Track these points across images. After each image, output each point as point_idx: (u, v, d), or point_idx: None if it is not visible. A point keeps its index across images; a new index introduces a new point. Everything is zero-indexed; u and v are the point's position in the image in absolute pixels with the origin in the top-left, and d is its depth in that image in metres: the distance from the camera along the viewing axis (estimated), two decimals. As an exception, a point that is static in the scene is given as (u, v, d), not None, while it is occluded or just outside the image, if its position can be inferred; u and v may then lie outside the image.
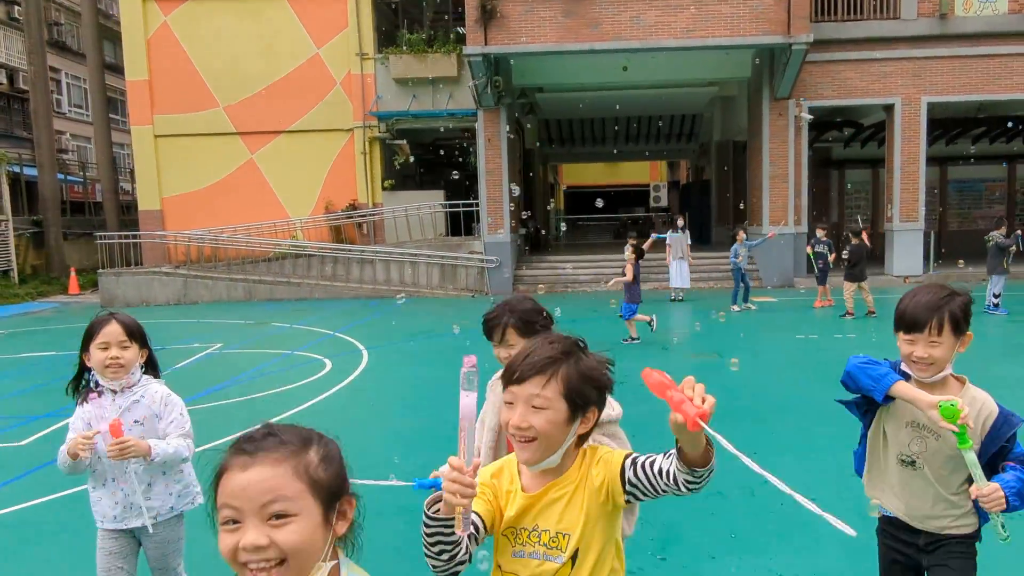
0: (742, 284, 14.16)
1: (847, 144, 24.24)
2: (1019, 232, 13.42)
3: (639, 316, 10.90)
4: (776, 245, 18.51)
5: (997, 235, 12.64)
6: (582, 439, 1.80)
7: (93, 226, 26.69)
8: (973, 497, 2.24)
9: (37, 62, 23.36)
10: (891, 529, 2.59)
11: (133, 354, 2.98)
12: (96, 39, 25.25)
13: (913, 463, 2.46)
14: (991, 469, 2.33)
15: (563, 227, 34.29)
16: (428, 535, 1.63)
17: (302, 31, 20.56)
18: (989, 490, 2.19)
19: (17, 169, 24.07)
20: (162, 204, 20.83)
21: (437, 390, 8.37)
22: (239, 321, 14.98)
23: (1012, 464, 2.31)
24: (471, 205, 19.79)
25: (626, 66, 19.14)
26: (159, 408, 3.01)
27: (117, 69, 32.92)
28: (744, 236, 14.65)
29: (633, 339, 10.86)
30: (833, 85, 18.94)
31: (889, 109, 19.13)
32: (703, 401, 1.47)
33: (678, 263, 15.46)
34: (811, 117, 18.85)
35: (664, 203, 42.60)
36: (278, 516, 1.23)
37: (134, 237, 20.59)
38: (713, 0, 17.16)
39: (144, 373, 3.08)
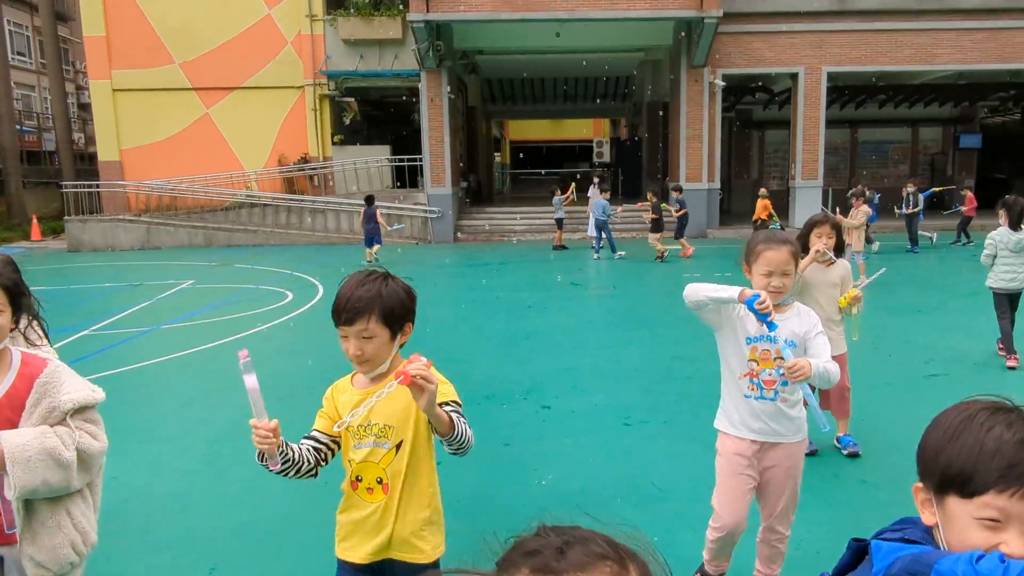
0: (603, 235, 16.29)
1: (766, 107, 26.41)
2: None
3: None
4: (692, 200, 20.65)
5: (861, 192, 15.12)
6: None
7: (49, 175, 27.48)
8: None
9: (-7, 15, 23.88)
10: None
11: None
12: (48, -8, 25.75)
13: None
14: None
15: (506, 183, 35.90)
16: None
17: (254, -8, 21.67)
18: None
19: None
20: (121, 155, 21.99)
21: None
22: (204, 263, 16.57)
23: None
24: (415, 159, 21.42)
25: (559, 32, 20.76)
26: None
27: (60, 18, 33.14)
28: (605, 194, 16.68)
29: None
30: (744, 55, 20.94)
31: (794, 77, 21.25)
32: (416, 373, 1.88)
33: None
34: (724, 84, 20.86)
35: (607, 158, 44.43)
36: None
37: (97, 186, 21.74)
38: (635, -25, 18.91)
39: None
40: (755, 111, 27.11)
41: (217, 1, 21.60)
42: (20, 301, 2.55)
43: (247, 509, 4.40)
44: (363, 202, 15.81)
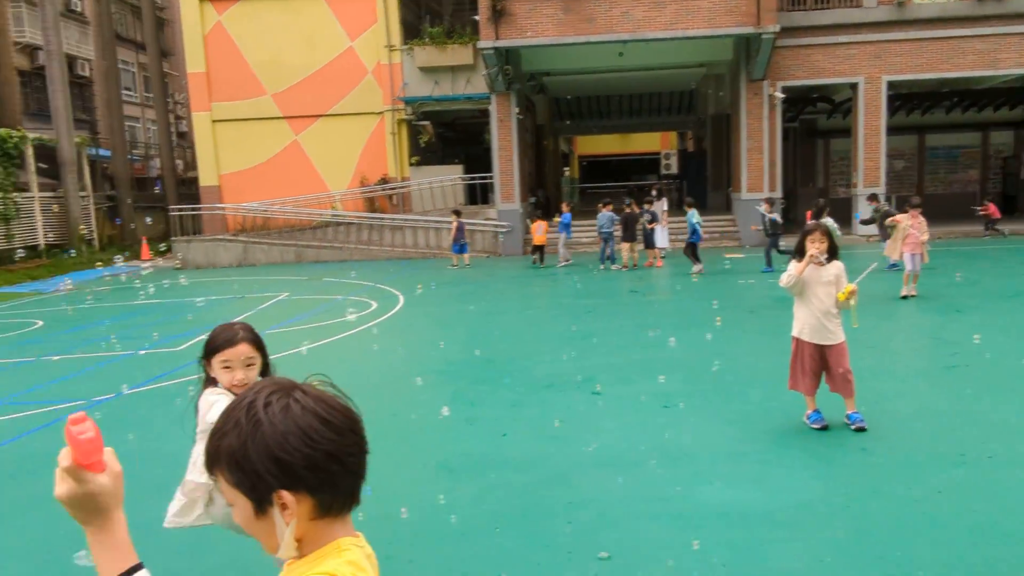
0: (607, 247, 17.48)
1: (830, 116, 26.68)
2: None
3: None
4: (754, 210, 21.28)
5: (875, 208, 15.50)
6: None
7: (154, 200, 30.09)
8: None
9: (109, 58, 26.59)
10: None
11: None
12: (154, 34, 28.37)
13: None
14: None
15: (575, 196, 36.84)
16: None
17: (337, 26, 23.54)
18: None
19: (93, 151, 27.47)
20: (220, 180, 24.16)
21: (456, 318, 11.58)
22: (296, 277, 18.24)
23: None
24: (487, 177, 22.74)
25: (622, 52, 21.74)
26: None
27: (162, 54, 36.03)
28: (608, 208, 17.49)
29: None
30: (804, 67, 21.46)
31: (854, 87, 21.63)
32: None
33: (659, 227, 18.27)
34: (783, 96, 21.42)
35: (675, 170, 44.92)
36: None
37: (199, 209, 23.96)
38: (692, -4, 19.76)
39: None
40: (819, 120, 27.37)
41: (304, 35, 23.54)
42: (265, 354, 3.08)
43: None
44: (450, 216, 18.82)
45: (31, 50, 30.44)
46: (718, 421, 6.14)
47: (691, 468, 5.20)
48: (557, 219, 19.45)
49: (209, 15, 23.77)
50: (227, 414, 1.19)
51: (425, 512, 4.66)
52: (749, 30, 19.75)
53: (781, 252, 15.78)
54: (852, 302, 5.53)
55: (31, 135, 23.85)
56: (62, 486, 1.12)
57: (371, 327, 11.22)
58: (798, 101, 24.60)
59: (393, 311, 12.57)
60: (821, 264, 5.55)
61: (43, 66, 25.81)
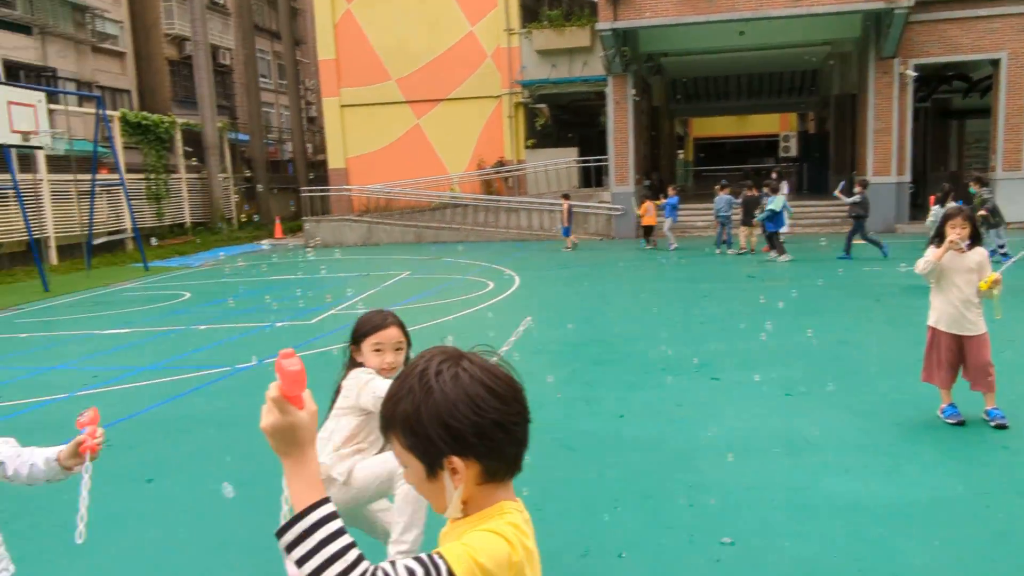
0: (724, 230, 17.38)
1: (966, 95, 25.01)
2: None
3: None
4: (879, 193, 20.32)
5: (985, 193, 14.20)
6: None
7: (286, 181, 31.87)
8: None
9: (248, 47, 28.31)
10: None
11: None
12: (288, 23, 29.90)
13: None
14: None
15: (688, 179, 36.19)
16: None
17: (458, 11, 24.12)
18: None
19: (233, 136, 29.42)
20: (347, 163, 25.38)
21: (570, 300, 11.83)
22: (417, 257, 19.01)
23: None
24: (601, 160, 22.77)
25: (743, 31, 21.18)
26: None
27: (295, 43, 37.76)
28: (726, 191, 17.43)
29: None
30: (939, 43, 20.22)
31: (995, 63, 20.22)
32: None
33: (777, 210, 17.81)
34: (915, 75, 20.28)
35: (793, 152, 43.19)
36: None
37: (327, 191, 25.28)
38: (820, -29, 18.98)
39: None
40: (954, 100, 25.77)
41: (427, 21, 24.29)
42: (410, 340, 3.23)
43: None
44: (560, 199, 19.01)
45: (179, 41, 32.76)
46: (844, 412, 6.06)
47: (816, 458, 5.16)
48: (662, 199, 19.28)
49: (339, 3, 24.89)
50: (401, 380, 1.28)
51: (545, 488, 4.76)
52: (880, 5, 18.81)
53: (864, 239, 15.28)
54: (995, 292, 5.30)
55: (179, 120, 25.77)
56: (268, 417, 1.20)
57: (488, 307, 11.63)
58: (931, 79, 23.25)
59: (509, 291, 12.95)
60: (962, 251, 5.34)
61: (190, 56, 27.75)
